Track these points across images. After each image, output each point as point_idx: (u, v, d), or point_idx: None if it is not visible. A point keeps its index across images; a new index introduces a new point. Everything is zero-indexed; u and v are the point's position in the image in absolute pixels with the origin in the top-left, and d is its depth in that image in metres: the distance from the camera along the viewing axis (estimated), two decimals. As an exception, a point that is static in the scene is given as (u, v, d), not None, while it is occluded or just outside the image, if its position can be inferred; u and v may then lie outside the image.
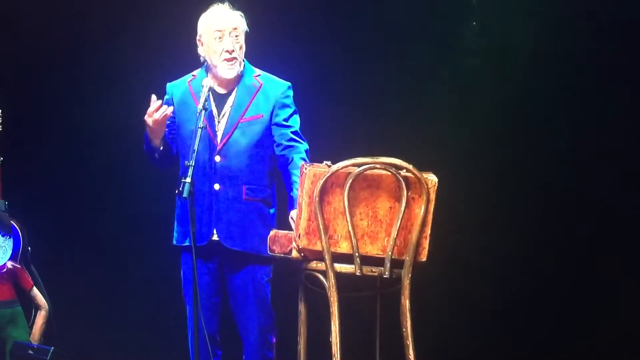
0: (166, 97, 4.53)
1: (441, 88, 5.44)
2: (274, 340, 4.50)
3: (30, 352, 5.05)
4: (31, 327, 5.18)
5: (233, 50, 4.38)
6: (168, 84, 4.56)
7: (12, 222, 5.17)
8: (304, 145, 4.43)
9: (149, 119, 4.32)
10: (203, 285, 4.44)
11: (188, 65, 4.56)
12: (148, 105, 4.34)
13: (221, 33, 4.38)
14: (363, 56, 5.49)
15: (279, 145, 4.43)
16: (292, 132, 4.42)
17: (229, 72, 4.40)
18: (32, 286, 5.18)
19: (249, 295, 4.45)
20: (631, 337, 5.32)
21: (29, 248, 5.23)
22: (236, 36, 4.39)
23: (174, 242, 4.54)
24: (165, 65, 5.04)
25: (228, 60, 4.39)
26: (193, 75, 4.51)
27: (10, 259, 5.13)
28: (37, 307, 5.20)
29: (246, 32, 4.45)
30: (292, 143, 4.41)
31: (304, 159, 4.36)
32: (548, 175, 5.46)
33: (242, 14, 4.46)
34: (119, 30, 5.65)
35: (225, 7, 4.44)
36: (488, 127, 5.43)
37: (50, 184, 5.82)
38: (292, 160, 4.38)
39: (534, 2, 5.35)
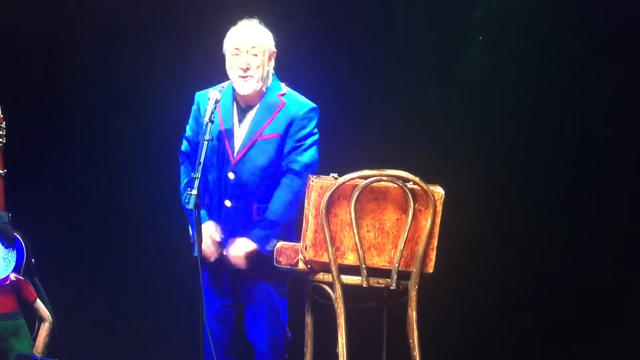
0: (194, 107, 4.57)
1: (447, 102, 5.47)
2: (286, 355, 4.51)
3: (34, 364, 5.07)
4: (34, 339, 5.14)
5: (247, 69, 4.41)
6: (197, 93, 4.59)
7: (15, 234, 5.14)
8: (300, 182, 4.39)
9: (210, 257, 4.41)
10: (217, 296, 4.50)
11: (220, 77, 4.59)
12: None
13: (239, 50, 4.42)
14: (369, 69, 5.52)
15: (285, 168, 4.44)
16: (299, 167, 4.41)
17: (242, 88, 4.43)
18: (36, 298, 5.15)
19: (261, 310, 4.47)
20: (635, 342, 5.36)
21: (33, 260, 5.20)
22: (254, 55, 4.41)
23: (194, 253, 4.47)
24: (197, 74, 5.04)
25: (242, 77, 4.43)
26: (222, 87, 4.53)
27: (14, 271, 5.10)
28: (41, 319, 5.17)
29: (271, 51, 4.47)
30: (293, 178, 4.41)
31: (293, 186, 4.37)
32: (553, 185, 5.48)
33: (269, 32, 4.47)
34: (151, 39, 5.65)
35: (251, 24, 4.48)
36: (494, 139, 5.46)
37: (55, 195, 5.80)
38: (280, 184, 4.43)
39: (538, 14, 5.41)
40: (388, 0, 5.54)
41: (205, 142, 4.29)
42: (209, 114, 4.33)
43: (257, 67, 4.42)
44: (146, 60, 5.63)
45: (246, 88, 4.42)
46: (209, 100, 4.39)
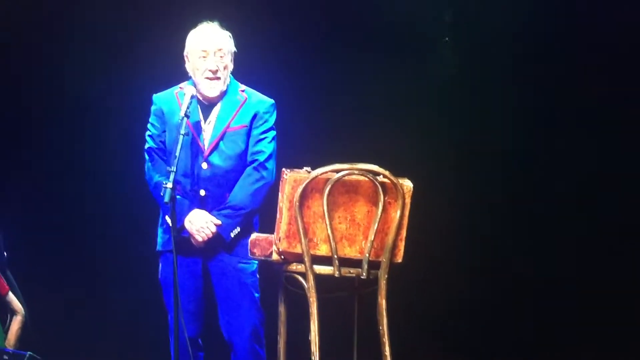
0: (153, 107, 4.66)
1: (415, 99, 5.58)
2: (264, 338, 4.59)
3: (5, 357, 4.97)
4: (6, 332, 5.16)
5: (217, 70, 4.52)
6: (154, 96, 4.68)
7: None
8: (266, 175, 4.53)
9: (197, 236, 4.47)
10: (187, 290, 4.56)
11: (177, 78, 4.68)
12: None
13: (206, 53, 4.52)
14: (341, 66, 5.62)
15: (250, 160, 4.58)
16: (264, 158, 4.54)
17: (210, 90, 4.54)
18: (8, 291, 5.17)
19: (237, 295, 4.55)
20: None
21: (5, 253, 5.23)
22: (221, 57, 4.52)
23: (159, 247, 4.64)
24: (155, 77, 5.12)
25: (210, 79, 4.53)
26: (180, 87, 4.63)
27: None
28: (13, 312, 5.19)
29: (233, 52, 4.57)
30: (258, 169, 4.54)
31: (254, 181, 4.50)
32: (514, 178, 5.62)
33: (230, 35, 4.57)
34: (110, 41, 5.72)
35: (213, 26, 4.58)
36: (459, 134, 5.58)
37: (27, 188, 5.81)
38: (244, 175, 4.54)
39: (513, 12, 5.51)
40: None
41: (181, 137, 4.39)
42: (185, 109, 4.44)
43: (224, 69, 4.53)
44: (104, 62, 5.70)
45: (214, 90, 4.53)
46: (185, 95, 4.49)
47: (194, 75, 4.56)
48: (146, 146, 4.66)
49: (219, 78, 4.52)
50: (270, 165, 4.57)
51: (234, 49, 4.58)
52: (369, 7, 5.61)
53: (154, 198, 4.58)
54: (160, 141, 4.62)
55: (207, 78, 4.52)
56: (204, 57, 4.51)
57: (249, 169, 4.56)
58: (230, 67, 4.57)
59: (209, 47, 4.52)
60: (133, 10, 5.68)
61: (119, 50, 5.70)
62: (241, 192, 4.53)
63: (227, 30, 4.59)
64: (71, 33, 5.73)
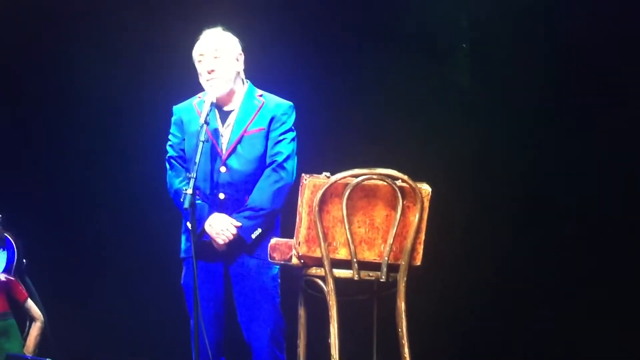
0: (173, 117, 4.74)
1: (435, 104, 5.62)
2: (284, 342, 4.64)
3: (24, 364, 5.06)
4: (25, 339, 5.19)
5: (212, 70, 4.58)
6: (174, 107, 4.76)
7: (6, 235, 5.20)
8: (285, 176, 4.59)
9: (218, 239, 4.52)
10: (209, 294, 4.60)
11: (195, 89, 4.75)
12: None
13: (202, 56, 4.61)
14: (361, 71, 5.67)
15: (269, 161, 4.63)
16: (282, 159, 4.59)
17: (211, 89, 4.59)
18: (27, 298, 5.20)
19: (257, 299, 4.60)
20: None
21: (24, 260, 5.26)
22: (216, 57, 4.58)
23: (182, 254, 4.68)
24: (173, 90, 5.16)
25: (208, 80, 4.60)
26: (198, 97, 4.71)
27: (4, 271, 5.17)
28: (32, 319, 5.22)
29: (237, 53, 4.63)
30: (277, 169, 4.59)
31: (273, 182, 4.55)
32: (534, 184, 5.62)
33: (231, 35, 4.63)
34: (128, 55, 5.79)
35: (213, 31, 4.65)
36: (478, 140, 5.60)
37: (47, 196, 5.85)
38: (263, 177, 4.59)
39: (528, 19, 5.54)
40: (374, 3, 5.70)
41: (201, 143, 4.44)
42: (204, 116, 4.49)
43: (222, 69, 4.58)
44: (132, 69, 5.77)
45: (214, 89, 4.58)
46: (204, 103, 4.55)
47: (201, 82, 4.64)
48: (167, 155, 4.73)
49: (216, 77, 4.57)
50: (289, 165, 4.61)
51: (237, 50, 4.63)
52: (390, 13, 5.65)
53: (176, 205, 4.63)
54: (180, 149, 4.69)
55: (207, 80, 4.59)
56: (200, 60, 4.60)
57: (267, 170, 4.60)
58: (233, 67, 4.61)
59: (204, 50, 4.60)
60: (152, 19, 5.75)
61: (146, 65, 5.78)
62: (260, 193, 4.57)
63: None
64: (100, 44, 5.79)
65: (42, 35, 5.82)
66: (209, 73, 4.57)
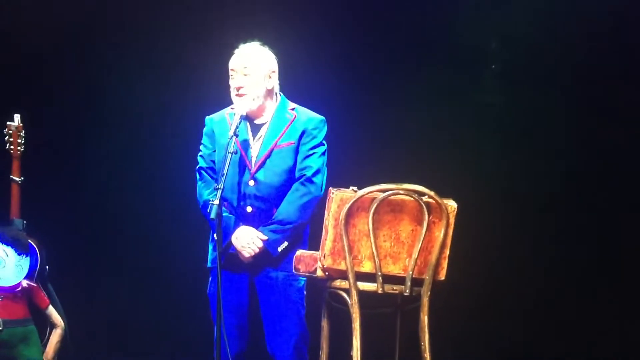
0: (205, 128, 4.78)
1: (461, 120, 5.67)
2: (307, 354, 4.64)
3: (45, 371, 5.05)
4: (45, 346, 5.19)
5: (240, 87, 4.62)
6: (206, 117, 4.80)
7: (30, 241, 5.19)
8: (313, 190, 4.62)
9: (244, 252, 4.56)
10: (233, 305, 4.62)
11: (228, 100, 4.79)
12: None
13: (233, 72, 4.65)
14: (393, 89, 5.72)
15: (298, 175, 4.67)
16: (312, 173, 4.62)
17: (237, 105, 4.63)
18: (48, 305, 5.21)
19: (283, 311, 4.61)
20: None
21: (47, 267, 5.27)
22: (245, 74, 4.61)
23: (209, 264, 4.70)
24: (207, 100, 5.21)
25: (238, 96, 4.64)
26: (231, 108, 4.74)
27: (26, 277, 5.15)
28: (53, 326, 5.22)
29: (269, 70, 4.65)
30: (306, 183, 4.62)
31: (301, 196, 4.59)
32: (560, 201, 5.67)
33: (267, 50, 4.67)
34: (165, 68, 5.85)
35: (247, 46, 4.68)
36: (505, 158, 5.65)
37: (71, 203, 5.87)
38: (292, 190, 4.62)
39: (555, 40, 5.61)
40: (404, 20, 5.76)
41: (229, 155, 4.48)
42: (234, 128, 4.53)
43: (251, 86, 4.62)
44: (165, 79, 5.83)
45: (241, 106, 4.62)
46: (235, 115, 4.59)
47: (231, 95, 4.69)
48: (197, 166, 4.77)
49: (244, 95, 4.62)
50: (318, 179, 4.63)
51: (269, 67, 4.65)
52: (422, 33, 5.71)
53: (204, 215, 4.66)
54: (211, 160, 4.72)
55: (236, 95, 4.65)
56: (231, 76, 4.66)
57: (296, 184, 4.63)
58: (263, 85, 4.63)
59: (235, 66, 4.65)
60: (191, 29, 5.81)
61: (179, 74, 5.85)
62: (288, 207, 4.60)
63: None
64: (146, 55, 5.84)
65: (74, 41, 5.87)
66: (237, 90, 4.63)
